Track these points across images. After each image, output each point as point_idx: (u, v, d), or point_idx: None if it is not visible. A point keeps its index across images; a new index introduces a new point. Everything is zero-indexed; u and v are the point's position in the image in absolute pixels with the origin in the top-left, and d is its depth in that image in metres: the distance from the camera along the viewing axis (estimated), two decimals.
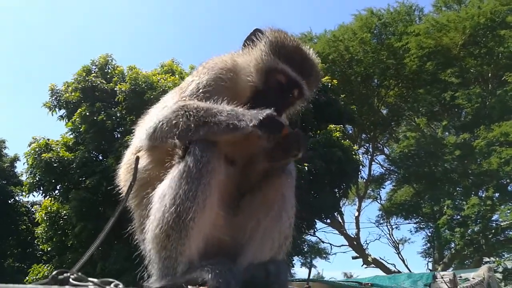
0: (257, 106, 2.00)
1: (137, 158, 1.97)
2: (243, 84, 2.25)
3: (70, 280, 1.28)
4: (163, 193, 1.88)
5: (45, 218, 13.58)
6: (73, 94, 13.97)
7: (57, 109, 14.39)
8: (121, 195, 2.24)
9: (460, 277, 4.93)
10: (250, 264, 1.96)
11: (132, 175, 1.98)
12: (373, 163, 26.10)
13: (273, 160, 2.13)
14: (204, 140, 1.90)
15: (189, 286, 1.54)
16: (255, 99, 2.16)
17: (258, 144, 2.16)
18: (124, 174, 2.30)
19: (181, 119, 1.96)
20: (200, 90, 2.18)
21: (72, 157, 13.17)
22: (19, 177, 21.92)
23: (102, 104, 13.46)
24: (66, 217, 13.42)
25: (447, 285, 4.07)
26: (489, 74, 23.05)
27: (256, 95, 2.20)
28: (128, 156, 2.33)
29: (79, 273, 1.28)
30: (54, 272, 1.31)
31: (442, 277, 4.22)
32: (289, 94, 2.29)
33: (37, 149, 13.38)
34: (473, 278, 5.01)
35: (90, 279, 1.27)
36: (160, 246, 1.84)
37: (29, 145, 13.62)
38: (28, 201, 22.16)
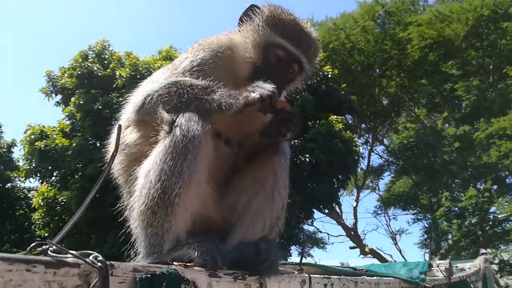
0: None
1: (119, 127, 1.92)
2: (241, 62, 2.20)
3: (49, 252, 1.22)
4: (148, 168, 1.82)
5: (42, 203, 13.53)
6: (69, 80, 13.83)
7: (53, 95, 14.31)
8: (111, 173, 2.19)
9: (456, 267, 4.90)
10: (240, 242, 1.91)
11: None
12: (372, 153, 26.13)
13: (264, 135, 2.08)
14: (191, 114, 1.84)
15: (175, 263, 1.49)
16: (254, 77, 2.10)
17: (254, 123, 2.12)
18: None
19: (172, 93, 1.92)
20: (195, 68, 2.13)
21: (69, 144, 13.08)
22: (16, 163, 21.91)
23: (98, 91, 13.27)
24: (63, 203, 13.38)
25: (443, 274, 4.05)
26: (490, 67, 22.89)
27: (255, 72, 2.14)
28: None
29: (59, 245, 1.23)
30: (33, 244, 1.26)
31: (438, 266, 4.19)
32: (289, 69, 2.24)
33: (32, 137, 13.30)
34: (469, 268, 4.98)
35: (70, 251, 1.21)
36: (146, 223, 1.78)
37: (25, 132, 13.57)
38: (25, 187, 22.19)
